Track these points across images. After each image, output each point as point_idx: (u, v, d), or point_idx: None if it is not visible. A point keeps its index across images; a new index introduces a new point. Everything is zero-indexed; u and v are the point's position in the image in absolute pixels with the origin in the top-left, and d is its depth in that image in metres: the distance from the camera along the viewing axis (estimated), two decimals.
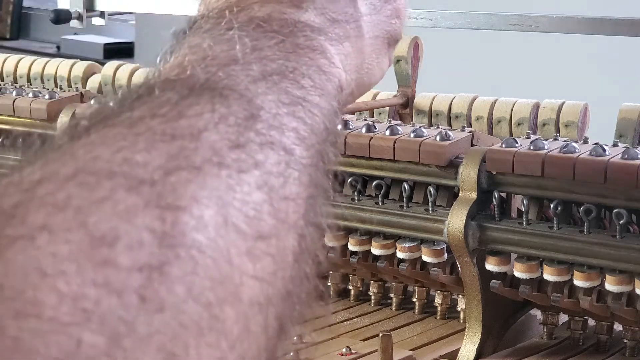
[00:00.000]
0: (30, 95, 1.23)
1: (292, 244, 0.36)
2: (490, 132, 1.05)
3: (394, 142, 0.95)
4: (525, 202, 0.89)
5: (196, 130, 0.35)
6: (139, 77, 1.28)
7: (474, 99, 1.08)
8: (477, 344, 0.93)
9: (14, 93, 1.24)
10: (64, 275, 0.28)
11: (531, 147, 0.89)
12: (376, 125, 0.98)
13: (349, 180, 0.98)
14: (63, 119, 1.18)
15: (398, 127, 0.97)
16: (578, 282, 0.87)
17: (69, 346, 0.27)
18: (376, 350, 0.89)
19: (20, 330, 0.27)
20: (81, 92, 1.24)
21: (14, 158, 0.35)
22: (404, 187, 0.96)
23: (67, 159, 0.32)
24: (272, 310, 0.34)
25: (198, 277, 0.30)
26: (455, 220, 0.91)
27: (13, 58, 1.40)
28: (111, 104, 0.37)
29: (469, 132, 0.97)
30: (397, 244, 0.97)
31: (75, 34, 3.58)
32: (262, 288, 0.33)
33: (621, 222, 0.85)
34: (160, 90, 0.37)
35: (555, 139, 0.92)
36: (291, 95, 0.41)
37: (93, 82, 1.32)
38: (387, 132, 0.96)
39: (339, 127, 0.45)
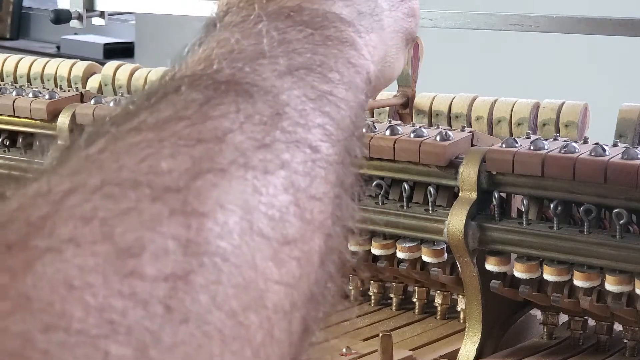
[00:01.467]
0: (30, 95, 1.23)
1: (318, 245, 0.36)
2: (490, 132, 1.05)
3: (394, 142, 0.95)
4: (525, 202, 0.89)
5: (221, 132, 0.35)
6: (138, 78, 1.28)
7: (474, 99, 1.08)
8: (477, 344, 0.93)
9: (14, 93, 1.24)
10: (91, 287, 0.28)
11: (531, 147, 0.88)
12: (376, 125, 0.98)
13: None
14: (63, 119, 1.18)
15: (398, 127, 0.97)
16: (578, 282, 0.87)
17: (97, 358, 0.27)
18: (376, 351, 0.89)
19: (49, 343, 0.27)
20: (81, 92, 1.24)
21: (39, 161, 0.35)
22: (404, 187, 0.96)
23: (94, 169, 0.32)
24: (296, 315, 0.34)
25: (222, 285, 0.30)
26: (455, 220, 0.91)
27: (13, 58, 1.40)
28: (138, 100, 0.37)
29: (469, 132, 0.97)
30: (397, 244, 0.97)
31: (75, 34, 3.58)
32: (287, 293, 0.33)
33: (621, 222, 0.84)
34: (187, 87, 0.37)
35: (555, 139, 0.92)
36: (317, 90, 0.40)
37: (93, 82, 1.32)
38: (387, 132, 0.96)
39: (366, 120, 0.45)
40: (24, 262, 0.28)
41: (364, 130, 0.44)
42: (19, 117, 1.22)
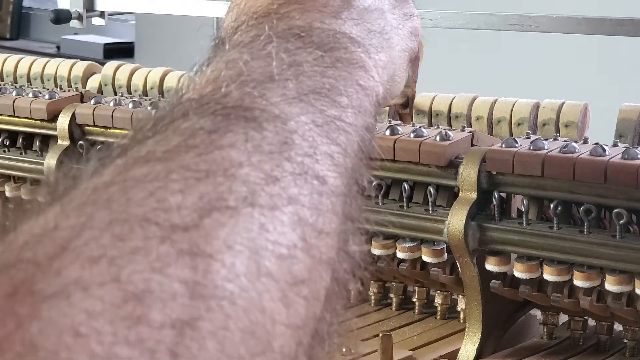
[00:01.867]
0: (30, 95, 1.23)
1: (325, 282, 0.36)
2: (490, 132, 1.05)
3: (394, 142, 0.95)
4: (525, 202, 0.89)
5: (229, 164, 0.34)
6: (138, 78, 1.28)
7: (474, 99, 1.08)
8: (477, 344, 0.93)
9: (14, 93, 1.24)
10: (98, 335, 0.28)
11: (531, 147, 0.88)
12: (376, 125, 0.98)
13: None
14: (63, 119, 1.18)
15: (398, 127, 0.97)
16: (578, 282, 0.87)
17: None
18: (376, 351, 0.89)
19: None
20: (81, 92, 1.24)
21: (46, 187, 0.35)
22: (404, 187, 0.96)
23: (102, 203, 0.32)
24: (301, 356, 0.33)
25: (229, 331, 0.30)
26: (455, 220, 0.91)
27: (13, 58, 1.40)
28: (146, 126, 0.37)
29: (469, 132, 0.97)
30: (397, 244, 0.97)
31: (75, 34, 3.58)
32: (294, 334, 0.33)
33: (621, 222, 0.84)
34: (194, 113, 0.37)
35: (555, 139, 0.92)
36: (326, 115, 0.40)
37: (93, 82, 1.32)
38: (387, 132, 0.96)
39: (373, 144, 0.44)
40: (30, 307, 0.28)
41: (370, 156, 0.43)
42: (19, 117, 1.22)
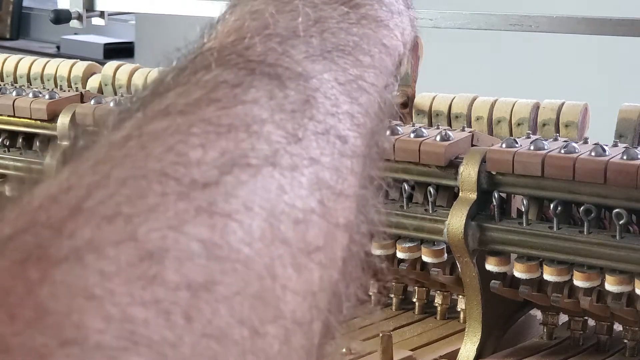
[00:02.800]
0: (30, 95, 1.23)
1: (342, 246, 0.35)
2: (490, 133, 1.05)
3: (394, 142, 0.95)
4: (525, 203, 0.89)
5: (252, 120, 0.34)
6: (138, 78, 1.28)
7: (474, 99, 1.08)
8: (477, 344, 0.93)
9: (14, 93, 1.24)
10: (112, 296, 0.27)
11: (531, 147, 0.89)
12: None
13: None
14: (63, 119, 1.18)
15: (398, 127, 0.97)
16: (578, 282, 0.87)
17: None
18: (376, 351, 0.89)
19: (66, 358, 0.26)
20: (81, 92, 1.24)
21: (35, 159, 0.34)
22: (404, 187, 0.96)
23: (119, 159, 0.31)
24: (316, 321, 0.33)
25: (242, 296, 0.30)
26: (455, 220, 0.91)
27: (13, 58, 1.40)
28: (167, 78, 0.36)
29: (469, 132, 0.97)
30: (397, 244, 0.97)
31: (75, 34, 3.58)
32: (306, 300, 0.32)
33: (621, 222, 0.84)
34: (217, 65, 0.36)
35: (555, 139, 0.92)
36: (348, 74, 0.40)
37: (93, 82, 1.32)
38: (387, 132, 0.96)
39: (394, 105, 0.44)
40: (41, 271, 0.27)
41: (390, 117, 0.43)
42: (19, 117, 1.22)
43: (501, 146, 0.90)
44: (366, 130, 0.39)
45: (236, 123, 0.33)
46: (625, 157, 0.85)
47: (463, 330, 0.95)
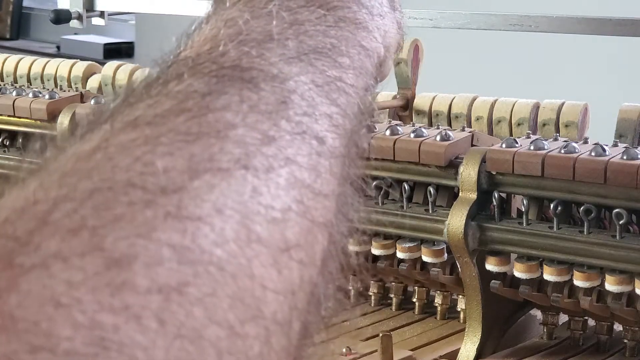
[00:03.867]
0: (30, 95, 1.23)
1: (321, 245, 0.35)
2: (490, 133, 1.05)
3: (394, 142, 0.95)
4: (525, 202, 0.89)
5: (223, 126, 0.33)
6: (138, 78, 1.28)
7: (473, 99, 1.08)
8: (477, 344, 0.93)
9: (14, 93, 1.24)
10: (80, 304, 0.27)
11: (531, 147, 0.89)
12: (376, 125, 0.98)
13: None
14: (63, 119, 1.18)
15: (398, 127, 0.97)
16: (578, 282, 0.87)
17: None
18: (376, 351, 0.89)
19: None
20: (81, 92, 1.24)
21: (27, 159, 0.34)
22: (404, 187, 0.96)
23: (85, 171, 0.31)
24: (296, 320, 0.33)
25: (217, 297, 0.29)
26: (455, 220, 0.91)
27: (13, 58, 1.40)
28: (138, 89, 0.36)
29: (469, 132, 0.97)
30: (397, 244, 0.97)
31: (75, 34, 3.58)
32: (287, 300, 0.32)
33: (621, 222, 0.84)
34: (189, 74, 0.36)
35: (555, 139, 0.92)
36: (326, 75, 0.39)
37: (93, 82, 1.32)
38: (387, 132, 0.96)
39: (374, 106, 0.43)
40: (8, 280, 0.27)
41: (370, 118, 0.42)
42: (19, 117, 1.22)
43: (501, 146, 0.90)
44: (345, 131, 0.39)
45: (205, 130, 0.33)
46: (625, 157, 0.85)
47: (463, 330, 0.95)
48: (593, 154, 0.86)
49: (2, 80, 1.38)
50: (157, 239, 0.29)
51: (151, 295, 0.28)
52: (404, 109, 1.12)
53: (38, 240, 0.28)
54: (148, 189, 0.30)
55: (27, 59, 1.39)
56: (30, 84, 1.33)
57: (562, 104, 1.02)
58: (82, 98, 1.23)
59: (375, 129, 0.98)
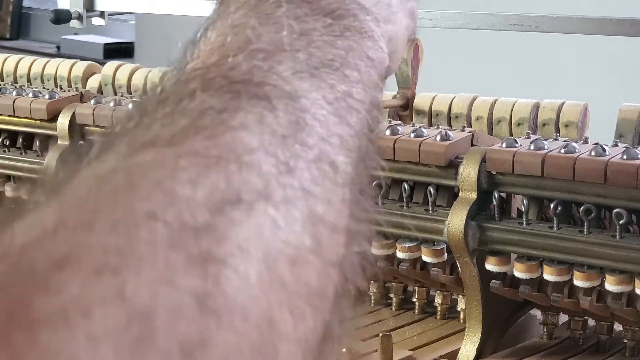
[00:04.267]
0: (30, 95, 1.23)
1: (334, 283, 0.34)
2: (490, 132, 1.05)
3: (394, 142, 0.95)
4: (525, 202, 0.89)
5: (242, 149, 0.32)
6: (138, 78, 1.28)
7: (473, 99, 1.08)
8: (477, 344, 0.93)
9: (14, 93, 1.24)
10: None
11: (531, 147, 0.88)
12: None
13: None
14: (63, 119, 1.18)
15: (398, 127, 0.97)
16: (578, 282, 0.87)
17: None
18: (376, 351, 0.89)
19: None
20: (81, 92, 1.24)
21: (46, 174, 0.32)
22: (404, 187, 0.96)
23: (105, 195, 0.30)
24: None
25: (240, 351, 0.28)
26: (455, 220, 0.91)
27: (13, 58, 1.40)
28: (151, 106, 0.35)
29: (469, 132, 0.97)
30: (397, 244, 0.97)
31: (75, 34, 3.57)
32: (300, 347, 0.31)
33: (621, 222, 0.84)
34: (201, 89, 0.35)
35: (556, 139, 0.92)
36: (336, 91, 0.38)
37: (93, 82, 1.32)
38: (387, 132, 0.96)
39: (380, 120, 0.42)
40: (26, 336, 0.26)
41: (378, 133, 0.41)
42: (19, 117, 1.22)
43: (501, 146, 0.90)
44: (356, 153, 0.38)
45: (225, 154, 0.32)
46: (625, 157, 0.85)
47: (463, 330, 0.95)
48: (593, 154, 0.86)
49: (2, 80, 1.38)
50: (179, 286, 0.28)
51: (172, 353, 0.27)
52: (404, 109, 1.12)
53: (57, 282, 0.27)
54: (170, 224, 0.29)
55: (27, 59, 1.39)
56: (30, 84, 1.33)
57: (562, 104, 1.02)
58: (82, 98, 1.23)
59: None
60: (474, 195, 0.91)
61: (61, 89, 1.29)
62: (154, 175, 0.30)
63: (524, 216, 0.90)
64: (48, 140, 1.23)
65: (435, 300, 1.02)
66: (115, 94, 1.27)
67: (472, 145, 0.95)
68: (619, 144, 0.89)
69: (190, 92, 0.35)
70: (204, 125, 0.33)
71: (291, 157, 0.34)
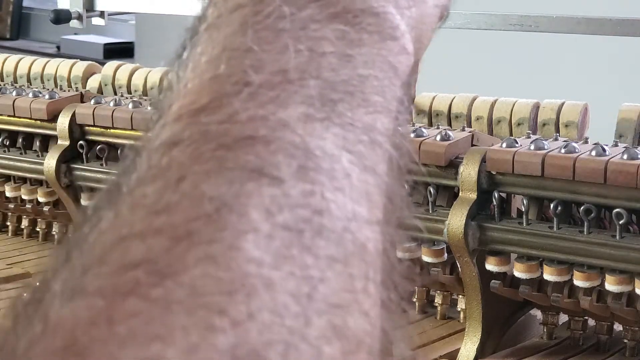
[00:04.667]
0: (30, 95, 1.23)
1: None
2: (490, 132, 1.05)
3: None
4: (525, 202, 0.89)
5: (246, 266, 0.27)
6: (138, 78, 1.28)
7: (474, 99, 1.07)
8: (477, 344, 0.93)
9: (14, 93, 1.24)
10: None
11: (531, 147, 0.88)
12: None
13: None
14: (63, 119, 1.18)
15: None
16: (578, 282, 0.87)
17: None
18: None
19: None
20: (81, 92, 1.24)
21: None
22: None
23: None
24: None
25: None
26: (455, 220, 0.90)
27: (13, 58, 1.40)
28: (124, 177, 0.30)
29: (469, 132, 0.97)
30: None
31: (75, 34, 3.58)
32: None
33: (621, 222, 0.84)
34: (192, 160, 0.29)
35: (556, 139, 0.92)
36: (357, 129, 0.31)
37: (93, 82, 1.32)
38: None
39: (407, 147, 0.35)
40: None
41: (407, 163, 0.35)
42: (19, 117, 1.22)
43: (501, 146, 0.90)
44: (384, 210, 0.32)
45: (232, 287, 0.26)
46: (625, 157, 0.85)
47: (463, 330, 0.95)
48: (593, 153, 0.86)
49: (2, 80, 1.38)
50: None
51: None
52: None
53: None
54: None
55: (27, 59, 1.39)
56: (30, 84, 1.33)
57: (562, 103, 1.02)
58: (82, 98, 1.23)
59: None
60: (474, 195, 0.91)
61: (61, 89, 1.29)
62: (140, 337, 0.26)
63: (524, 216, 0.90)
64: (48, 141, 1.23)
65: (435, 300, 1.02)
66: (115, 94, 1.27)
67: (472, 145, 0.95)
68: (619, 144, 0.89)
69: (180, 165, 0.29)
70: (196, 229, 0.27)
71: (309, 271, 0.28)
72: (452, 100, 1.08)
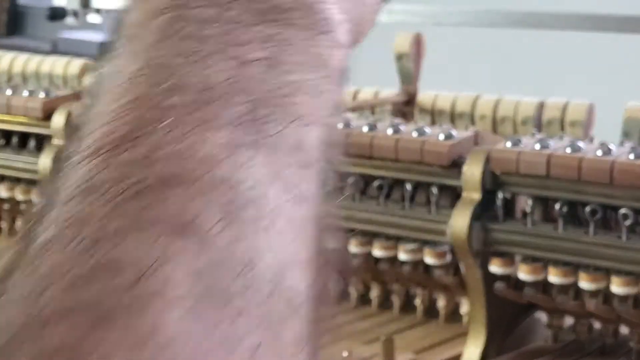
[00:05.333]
0: (26, 93, 1.21)
1: None
2: (495, 131, 1.04)
3: (396, 142, 0.94)
4: (530, 203, 0.88)
5: (168, 341, 0.25)
6: None
7: (477, 98, 1.07)
8: (480, 347, 0.92)
9: (9, 91, 1.23)
10: None
11: (536, 147, 0.88)
12: (378, 124, 0.97)
13: (350, 180, 0.97)
14: (58, 117, 1.17)
15: (400, 126, 0.96)
16: (584, 284, 0.86)
17: None
18: (378, 354, 0.88)
19: None
20: (77, 91, 1.23)
21: None
22: (406, 187, 0.95)
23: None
24: None
25: None
26: (459, 221, 0.89)
27: (8, 56, 1.39)
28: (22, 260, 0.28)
29: (473, 131, 0.96)
30: (399, 246, 0.96)
31: (71, 30, 3.57)
32: None
33: (627, 223, 0.84)
34: (106, 217, 0.27)
35: (561, 139, 0.91)
36: (287, 151, 0.30)
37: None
38: (389, 131, 0.95)
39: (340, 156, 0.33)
40: None
41: (337, 175, 0.32)
42: (14, 116, 1.21)
43: (505, 145, 0.89)
44: (314, 238, 0.30)
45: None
46: (632, 157, 0.84)
47: (466, 333, 0.94)
48: (599, 153, 0.85)
49: None
50: None
51: None
52: (407, 105, 1.11)
53: None
54: None
55: (23, 57, 1.38)
56: (26, 82, 1.32)
57: (567, 102, 1.02)
58: (78, 96, 1.21)
59: (377, 127, 0.96)
60: (477, 196, 0.90)
61: (57, 87, 1.28)
62: None
63: (529, 217, 0.89)
64: (43, 140, 1.21)
65: (438, 303, 1.01)
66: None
67: (476, 144, 0.94)
68: (625, 144, 0.88)
69: (91, 227, 0.27)
70: (120, 324, 0.26)
71: (243, 332, 0.27)
72: (456, 99, 1.08)
